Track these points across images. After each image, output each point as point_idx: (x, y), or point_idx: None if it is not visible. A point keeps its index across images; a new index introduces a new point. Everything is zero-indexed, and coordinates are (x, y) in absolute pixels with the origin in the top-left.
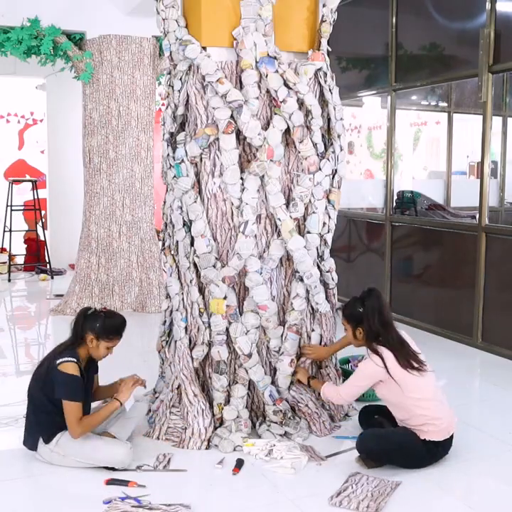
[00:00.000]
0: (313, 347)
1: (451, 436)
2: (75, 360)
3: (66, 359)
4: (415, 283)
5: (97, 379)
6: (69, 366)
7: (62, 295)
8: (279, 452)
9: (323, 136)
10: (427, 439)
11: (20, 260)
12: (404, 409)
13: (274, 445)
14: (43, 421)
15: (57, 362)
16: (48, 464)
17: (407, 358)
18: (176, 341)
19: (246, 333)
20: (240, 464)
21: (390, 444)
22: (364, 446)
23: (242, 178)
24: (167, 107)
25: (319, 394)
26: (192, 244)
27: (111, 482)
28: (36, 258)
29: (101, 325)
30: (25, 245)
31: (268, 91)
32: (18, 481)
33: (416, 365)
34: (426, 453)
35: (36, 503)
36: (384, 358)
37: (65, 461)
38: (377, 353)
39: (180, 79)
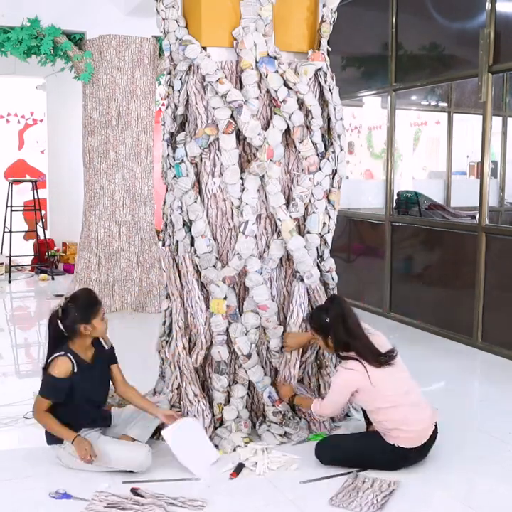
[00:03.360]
0: (290, 336)
1: (427, 445)
2: (63, 352)
3: (55, 355)
4: (415, 283)
5: (117, 370)
6: (56, 363)
7: (62, 295)
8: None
9: (323, 136)
10: (395, 445)
11: (20, 261)
12: (374, 415)
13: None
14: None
15: (49, 360)
16: (50, 465)
17: (376, 358)
18: (175, 341)
19: (246, 334)
20: (239, 468)
21: (347, 453)
22: (320, 457)
23: (242, 178)
24: (167, 107)
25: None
26: (192, 244)
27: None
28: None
29: (78, 312)
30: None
31: (268, 91)
32: (18, 481)
33: (384, 358)
34: (390, 458)
35: (36, 503)
36: (354, 367)
37: (84, 465)
38: (348, 357)
39: (180, 79)
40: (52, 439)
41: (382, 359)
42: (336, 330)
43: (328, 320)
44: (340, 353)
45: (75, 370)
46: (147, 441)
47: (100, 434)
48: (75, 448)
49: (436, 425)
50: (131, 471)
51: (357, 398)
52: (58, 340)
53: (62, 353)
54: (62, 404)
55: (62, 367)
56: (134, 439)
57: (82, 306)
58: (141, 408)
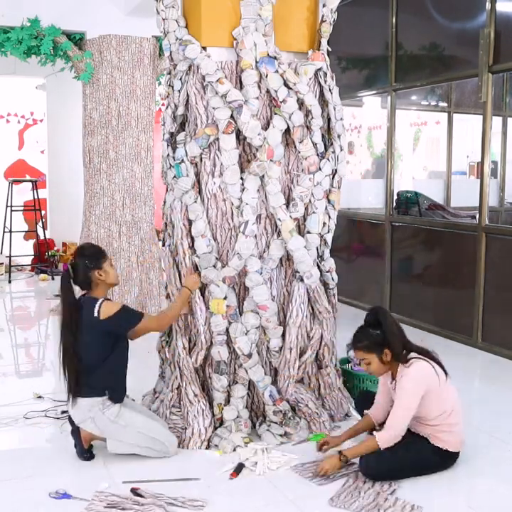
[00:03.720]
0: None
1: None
2: (103, 298)
3: (98, 304)
4: (415, 283)
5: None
6: (106, 306)
7: None
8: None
9: (323, 136)
10: (443, 448)
11: (20, 261)
12: (440, 417)
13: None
14: (96, 378)
15: (96, 314)
16: (50, 465)
17: (438, 363)
18: (175, 341)
19: (246, 333)
20: (239, 468)
21: (400, 463)
22: (370, 471)
23: (242, 178)
24: (167, 107)
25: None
26: (192, 244)
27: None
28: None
29: (89, 258)
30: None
31: (268, 91)
32: (18, 481)
33: (444, 368)
34: (437, 464)
35: (36, 503)
36: (423, 363)
37: (124, 433)
38: (416, 357)
39: (180, 79)
40: (91, 392)
41: (441, 363)
42: (392, 335)
43: (379, 332)
44: (408, 357)
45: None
46: None
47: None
48: (191, 284)
49: None
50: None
51: (426, 401)
52: (68, 298)
53: (102, 298)
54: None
55: (112, 304)
56: None
57: (90, 254)
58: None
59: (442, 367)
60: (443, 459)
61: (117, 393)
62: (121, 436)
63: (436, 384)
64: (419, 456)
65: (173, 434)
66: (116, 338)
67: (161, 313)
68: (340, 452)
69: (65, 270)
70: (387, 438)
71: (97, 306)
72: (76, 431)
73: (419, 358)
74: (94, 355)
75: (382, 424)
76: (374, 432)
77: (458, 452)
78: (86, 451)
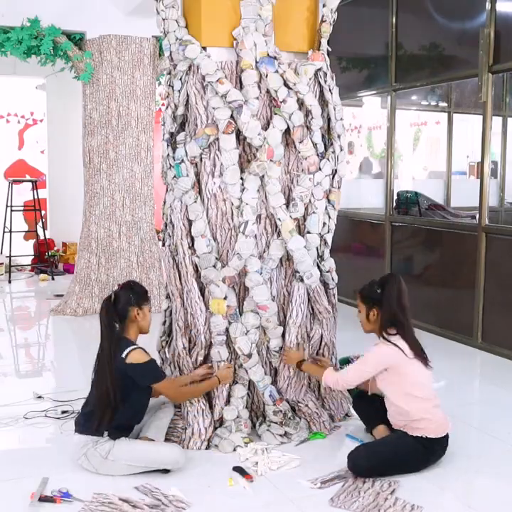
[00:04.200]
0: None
1: (447, 437)
2: (136, 346)
3: (128, 350)
4: (415, 283)
5: None
6: (136, 354)
7: (62, 295)
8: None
9: (323, 136)
10: (423, 436)
11: (20, 261)
12: (402, 402)
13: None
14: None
15: (123, 356)
16: (51, 465)
17: (419, 349)
18: (175, 341)
19: (246, 333)
20: (242, 471)
21: (382, 455)
22: (354, 465)
23: (242, 178)
24: (167, 107)
25: (316, 381)
26: (192, 244)
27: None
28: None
29: (134, 294)
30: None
31: (268, 91)
32: (18, 482)
33: (425, 356)
34: (422, 453)
35: (36, 503)
36: (398, 345)
37: (114, 468)
38: (389, 341)
39: (180, 79)
40: (88, 429)
41: (422, 352)
42: (390, 301)
43: (379, 291)
44: (386, 331)
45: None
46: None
47: (125, 438)
48: (224, 375)
49: None
50: (164, 471)
51: (387, 378)
52: (111, 329)
53: (136, 345)
54: (127, 401)
55: (143, 355)
56: (152, 440)
57: (136, 291)
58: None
59: (422, 356)
60: (426, 447)
61: (117, 434)
62: (113, 470)
63: (398, 363)
64: (403, 449)
65: (175, 449)
66: (130, 392)
67: (183, 387)
68: (303, 360)
69: (108, 298)
70: (330, 379)
71: (128, 349)
72: None
73: (388, 343)
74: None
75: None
76: (326, 369)
77: (441, 438)
78: None
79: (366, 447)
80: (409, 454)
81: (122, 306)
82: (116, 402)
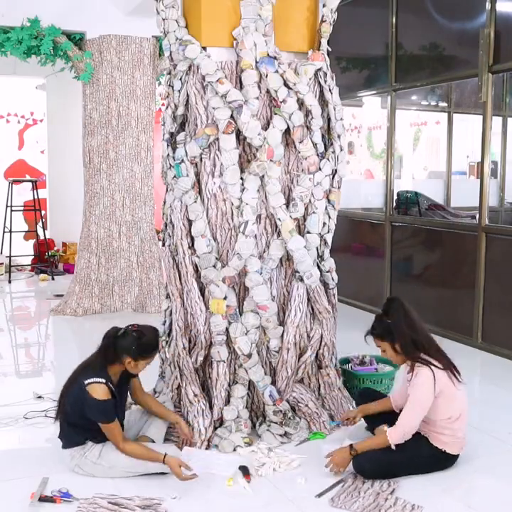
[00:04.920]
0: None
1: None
2: (104, 381)
3: (94, 380)
4: (415, 283)
5: (138, 381)
6: (97, 389)
7: (62, 295)
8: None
9: (323, 136)
10: (442, 449)
11: (20, 261)
12: (445, 422)
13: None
14: (77, 430)
15: (86, 383)
16: (51, 465)
17: (450, 367)
18: (175, 341)
19: (246, 333)
20: (245, 470)
21: (391, 462)
22: (362, 469)
23: (242, 178)
24: (167, 107)
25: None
26: (192, 244)
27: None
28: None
29: (136, 347)
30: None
31: (268, 91)
32: (19, 482)
33: (457, 373)
34: (433, 461)
35: (36, 503)
36: (433, 370)
37: (111, 473)
38: (425, 364)
39: (180, 79)
40: (70, 443)
41: (453, 368)
42: (399, 327)
43: (389, 321)
44: (417, 356)
45: (111, 397)
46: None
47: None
48: (170, 467)
49: None
50: (162, 473)
51: (436, 404)
52: (105, 353)
53: (103, 381)
54: (90, 422)
55: (104, 392)
56: (152, 440)
57: (144, 344)
58: (161, 415)
59: (455, 372)
60: (440, 460)
61: (99, 439)
62: (110, 475)
63: (446, 389)
64: (416, 455)
65: (171, 451)
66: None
67: (128, 441)
68: (350, 446)
69: (117, 330)
70: (397, 435)
71: (94, 379)
72: None
73: (423, 364)
74: (74, 416)
75: (401, 410)
76: (386, 428)
77: (456, 455)
78: None
79: (374, 450)
80: (421, 460)
81: (120, 349)
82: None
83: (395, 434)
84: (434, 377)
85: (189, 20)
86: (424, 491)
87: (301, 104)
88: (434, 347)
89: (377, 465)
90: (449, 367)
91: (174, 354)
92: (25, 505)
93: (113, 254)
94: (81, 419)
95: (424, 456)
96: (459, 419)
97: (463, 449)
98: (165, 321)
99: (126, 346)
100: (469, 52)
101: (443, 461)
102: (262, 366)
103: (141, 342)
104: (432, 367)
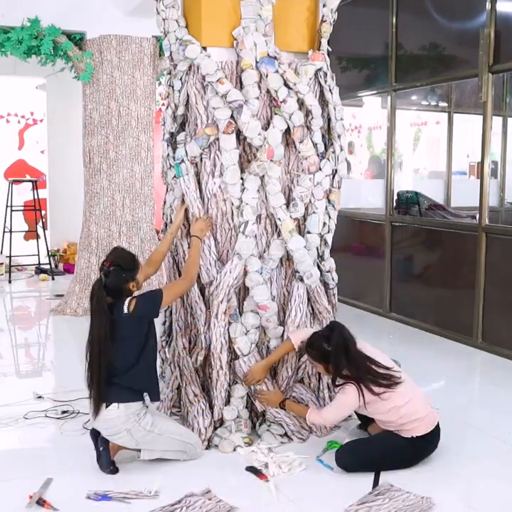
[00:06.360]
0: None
1: (438, 428)
2: (130, 297)
3: (127, 302)
4: (415, 283)
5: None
6: (132, 301)
7: (62, 295)
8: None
9: (323, 136)
10: (414, 436)
11: (22, 261)
12: (387, 417)
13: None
14: (133, 378)
15: (125, 310)
16: (51, 465)
17: (377, 382)
18: (175, 341)
19: (246, 333)
20: (255, 470)
21: (370, 453)
22: (342, 463)
23: (242, 178)
24: (167, 107)
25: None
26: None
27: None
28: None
29: (126, 271)
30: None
31: (268, 91)
32: (19, 481)
33: (386, 382)
34: (413, 451)
35: (32, 504)
36: (360, 387)
37: (159, 441)
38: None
39: (181, 79)
40: (131, 395)
41: (379, 380)
42: (337, 360)
43: (329, 349)
44: (343, 381)
45: None
46: None
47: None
48: (198, 229)
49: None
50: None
51: (368, 408)
52: (100, 315)
53: (128, 298)
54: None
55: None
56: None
57: (127, 267)
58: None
59: (384, 380)
60: (416, 445)
61: (155, 393)
62: (157, 445)
63: (366, 401)
64: (394, 447)
65: (196, 436)
66: (147, 333)
67: (184, 269)
68: (285, 399)
69: (97, 281)
70: (315, 420)
71: (126, 303)
72: (104, 442)
73: (347, 383)
74: (129, 354)
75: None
76: (310, 406)
77: (429, 433)
78: (112, 463)
79: (354, 444)
80: (396, 452)
81: (114, 285)
82: (116, 367)
83: (313, 418)
84: (360, 392)
85: (189, 20)
86: (424, 490)
87: (301, 104)
88: (364, 371)
89: (358, 458)
90: (375, 382)
91: (174, 354)
92: (24, 506)
93: None
94: (134, 360)
95: (401, 446)
96: (408, 404)
97: (433, 425)
98: (165, 321)
99: (119, 278)
100: (469, 52)
101: (418, 443)
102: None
103: (124, 266)
104: (359, 385)
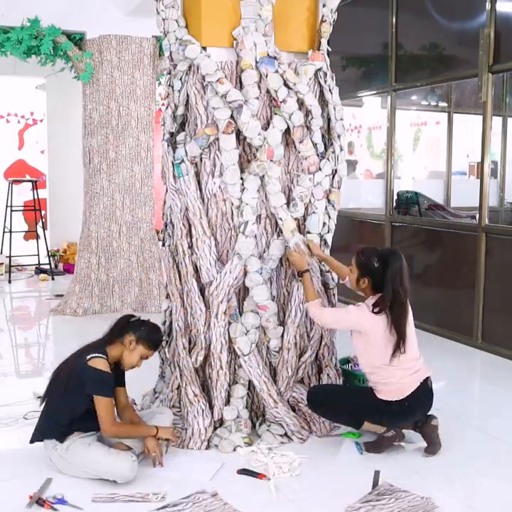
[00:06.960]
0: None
1: (414, 396)
2: (105, 357)
3: (95, 355)
4: (415, 283)
5: (124, 393)
6: (99, 361)
7: (62, 295)
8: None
9: (323, 136)
10: (379, 398)
11: (22, 261)
12: (369, 364)
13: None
14: (59, 421)
15: (87, 358)
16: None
17: (400, 332)
18: (175, 341)
19: (246, 334)
20: (252, 472)
21: (339, 398)
22: (313, 400)
23: (242, 178)
24: (167, 107)
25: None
26: (192, 244)
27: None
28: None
29: (146, 331)
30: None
31: (268, 91)
32: (19, 481)
33: (396, 340)
34: (378, 409)
35: (32, 504)
36: (380, 318)
37: (71, 470)
38: (376, 310)
39: (180, 79)
40: (47, 434)
41: (401, 339)
42: (391, 282)
43: (376, 265)
44: (377, 304)
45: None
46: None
47: (94, 439)
48: (165, 435)
49: (430, 385)
50: (115, 481)
51: (356, 341)
52: (111, 330)
53: (104, 356)
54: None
55: (105, 365)
56: (129, 448)
57: (152, 334)
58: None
59: (400, 339)
60: (378, 403)
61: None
62: (71, 472)
63: (371, 332)
64: (360, 393)
65: (126, 464)
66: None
67: (121, 424)
68: (306, 270)
69: (131, 315)
70: (312, 311)
71: (95, 354)
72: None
73: (372, 314)
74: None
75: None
76: (312, 300)
77: (393, 401)
78: None
79: (328, 386)
80: (364, 403)
81: (128, 328)
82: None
83: (312, 310)
84: (368, 317)
85: (189, 20)
86: (423, 491)
87: (301, 104)
88: (400, 308)
89: (328, 391)
90: (399, 332)
91: (174, 354)
92: (23, 506)
93: (113, 254)
94: (70, 404)
95: (366, 395)
96: (388, 368)
97: (402, 395)
98: (165, 321)
99: (137, 327)
100: (469, 52)
101: (380, 404)
102: (263, 366)
103: (150, 331)
104: (377, 314)
